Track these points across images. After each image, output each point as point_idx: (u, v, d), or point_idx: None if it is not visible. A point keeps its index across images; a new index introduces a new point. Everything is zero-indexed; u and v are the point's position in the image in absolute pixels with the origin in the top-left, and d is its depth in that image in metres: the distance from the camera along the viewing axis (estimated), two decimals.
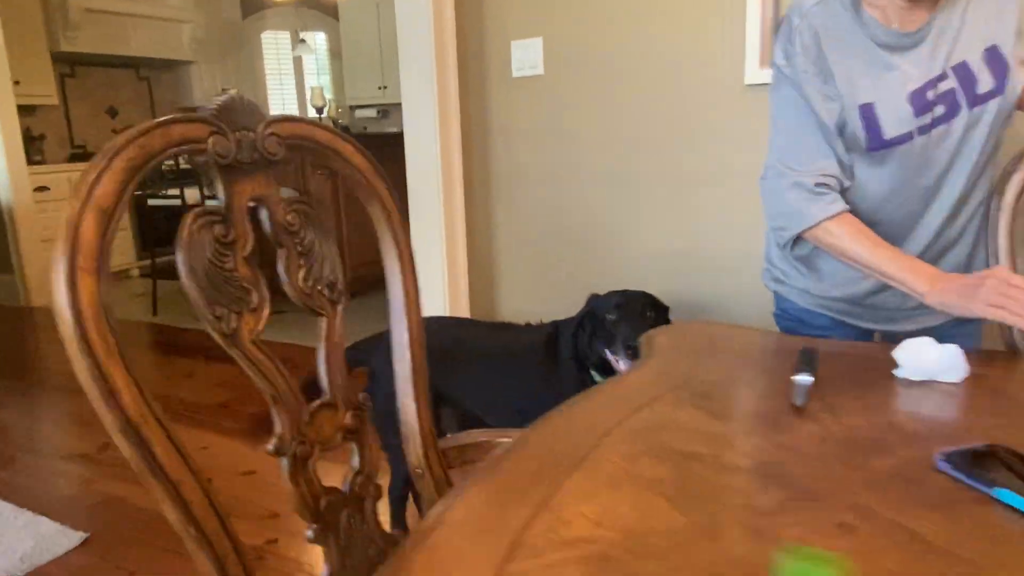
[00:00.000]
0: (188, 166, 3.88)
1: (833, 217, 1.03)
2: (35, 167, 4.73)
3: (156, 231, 5.32)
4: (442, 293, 2.22)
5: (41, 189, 4.73)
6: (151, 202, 4.05)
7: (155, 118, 0.71)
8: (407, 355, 0.98)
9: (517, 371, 1.63)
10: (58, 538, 1.80)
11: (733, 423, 0.80)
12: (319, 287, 0.87)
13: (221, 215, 0.77)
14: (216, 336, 0.75)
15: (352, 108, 6.39)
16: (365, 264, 4.43)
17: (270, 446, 0.78)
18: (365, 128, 6.19)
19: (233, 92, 0.79)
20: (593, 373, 1.61)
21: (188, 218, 0.74)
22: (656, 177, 1.94)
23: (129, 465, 2.30)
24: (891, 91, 1.01)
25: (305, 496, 0.80)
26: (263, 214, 0.82)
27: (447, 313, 2.21)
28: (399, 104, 5.99)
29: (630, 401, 0.83)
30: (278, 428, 0.79)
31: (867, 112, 1.01)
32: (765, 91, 1.79)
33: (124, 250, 5.36)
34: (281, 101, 6.58)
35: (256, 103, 0.82)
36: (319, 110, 5.42)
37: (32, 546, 1.76)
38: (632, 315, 1.58)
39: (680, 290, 1.97)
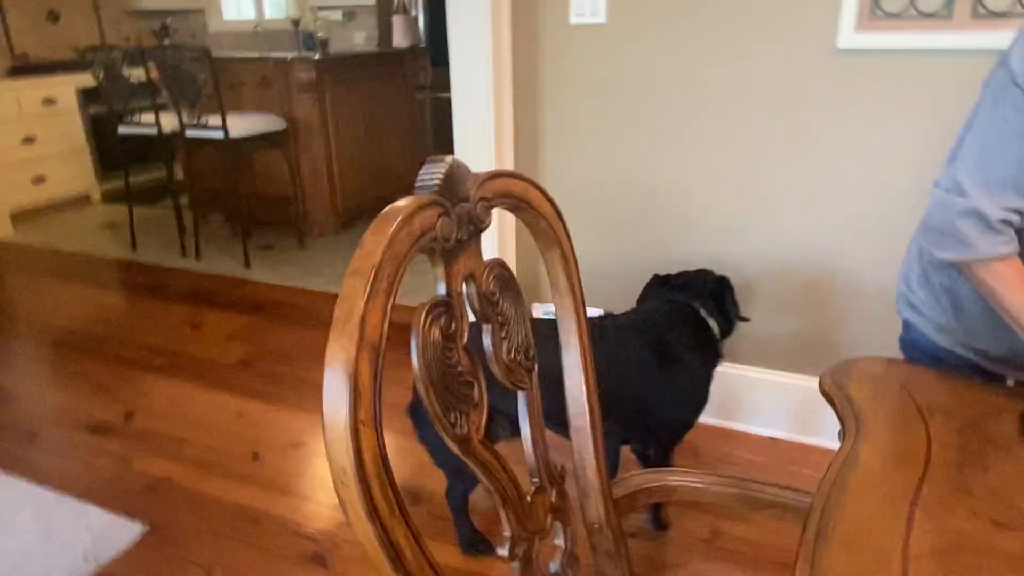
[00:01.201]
0: (155, 80, 3.55)
1: (1003, 259, 0.98)
2: None
3: (125, 150, 4.97)
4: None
5: None
6: (122, 130, 3.71)
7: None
8: (584, 409, 0.92)
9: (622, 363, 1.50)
10: (115, 530, 1.73)
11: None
12: (518, 357, 0.79)
13: (446, 305, 0.67)
14: (452, 444, 0.67)
15: (317, 10, 5.92)
16: (356, 194, 4.24)
17: (503, 551, 0.72)
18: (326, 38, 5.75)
19: (449, 159, 0.68)
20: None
21: (422, 317, 0.64)
22: (727, 144, 1.85)
23: (164, 439, 2.22)
24: None
25: None
26: (470, 290, 0.73)
27: None
28: (369, 5, 5.54)
29: (894, 506, 0.73)
30: (507, 531, 0.73)
31: None
32: (859, 57, 1.72)
33: (82, 172, 4.98)
34: (236, 7, 6.03)
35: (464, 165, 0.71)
36: (296, 23, 5.00)
37: (90, 542, 1.69)
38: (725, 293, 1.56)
39: (742, 270, 1.93)
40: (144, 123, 3.62)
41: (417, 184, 0.66)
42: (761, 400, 2.04)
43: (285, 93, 3.85)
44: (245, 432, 2.15)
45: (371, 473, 0.54)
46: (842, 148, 1.73)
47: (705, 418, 2.07)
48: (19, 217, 4.61)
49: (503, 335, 0.77)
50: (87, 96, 4.89)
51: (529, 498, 0.77)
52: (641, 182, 1.98)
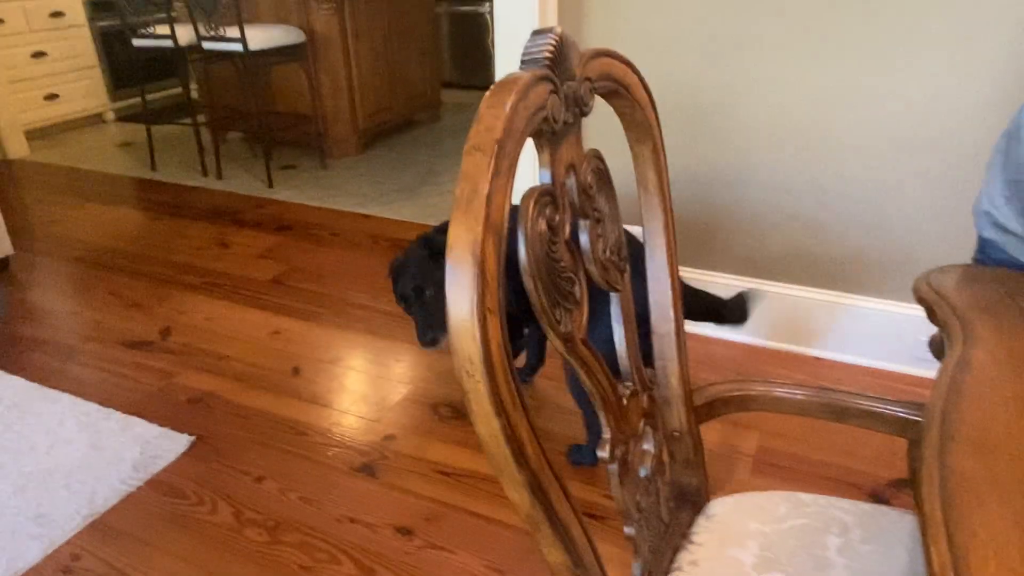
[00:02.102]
0: None
1: None
2: None
3: (138, 67, 4.83)
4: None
5: None
6: (137, 43, 3.58)
7: None
8: (670, 315, 0.88)
9: None
10: (163, 442, 1.74)
11: None
12: (612, 256, 0.75)
13: (550, 195, 0.62)
14: (557, 343, 0.63)
15: None
16: (375, 114, 4.12)
17: (603, 453, 0.70)
18: None
19: (557, 30, 0.62)
20: None
21: (530, 205, 0.59)
22: (800, 43, 1.74)
23: (203, 355, 2.20)
24: None
25: (629, 500, 0.73)
26: (571, 181, 0.68)
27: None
28: None
29: (1018, 409, 0.70)
30: (607, 434, 0.70)
31: None
32: None
33: (94, 90, 4.86)
34: None
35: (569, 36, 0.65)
36: None
37: (139, 453, 1.71)
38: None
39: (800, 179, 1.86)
40: (159, 35, 3.50)
41: (524, 57, 0.60)
42: (807, 319, 2.00)
43: (303, 3, 3.69)
44: (284, 348, 2.14)
45: (497, 364, 0.50)
46: (934, 56, 1.63)
47: (743, 338, 2.05)
48: (33, 135, 4.54)
49: (599, 232, 0.73)
50: (96, 8, 4.73)
51: (625, 401, 0.74)
52: (693, 87, 1.89)
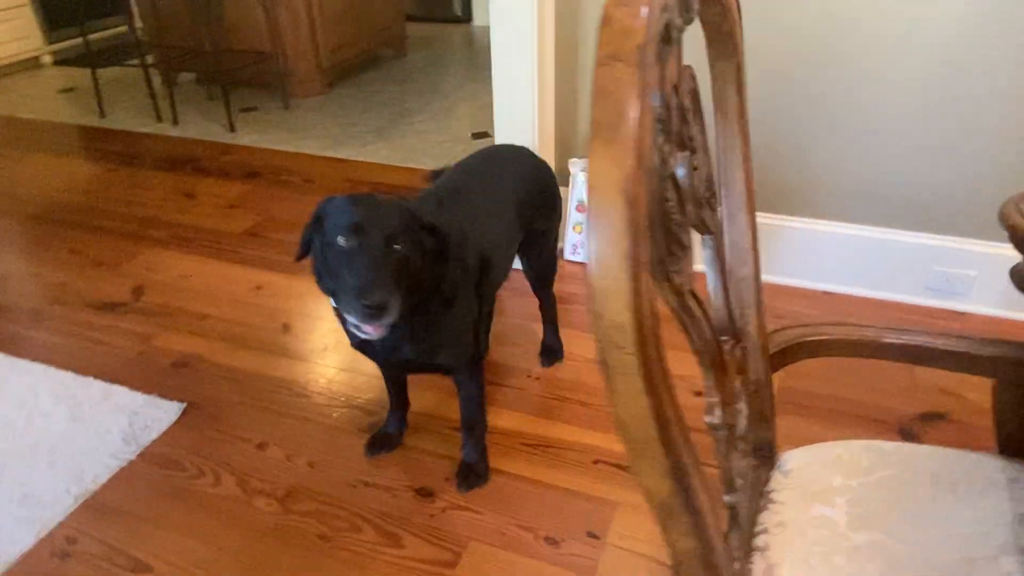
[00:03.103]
0: None
1: None
2: None
3: (74, 3, 4.45)
4: (531, 128, 1.93)
5: None
6: None
7: None
8: (748, 257, 0.79)
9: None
10: (151, 411, 1.62)
11: None
12: (706, 193, 0.65)
13: (663, 120, 0.52)
14: (671, 299, 0.54)
15: None
16: (340, 48, 3.88)
17: (712, 418, 0.61)
18: None
19: None
20: None
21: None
22: None
23: (182, 315, 2.03)
24: None
25: (733, 467, 0.66)
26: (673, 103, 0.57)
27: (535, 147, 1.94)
28: None
29: None
30: (714, 396, 0.61)
31: None
32: None
33: (26, 31, 4.47)
34: None
35: None
36: None
37: (128, 424, 1.58)
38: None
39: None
40: None
41: None
42: (816, 252, 1.94)
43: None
44: (269, 304, 2.01)
45: (650, 334, 0.40)
46: None
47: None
48: None
49: (695, 165, 0.62)
50: None
51: (725, 357, 0.66)
52: None
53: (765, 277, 2.01)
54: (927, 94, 1.67)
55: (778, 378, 1.65)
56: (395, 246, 1.10)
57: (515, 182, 1.48)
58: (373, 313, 1.05)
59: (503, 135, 1.94)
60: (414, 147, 3.09)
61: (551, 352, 1.74)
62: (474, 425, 1.41)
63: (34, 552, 1.31)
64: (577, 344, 1.78)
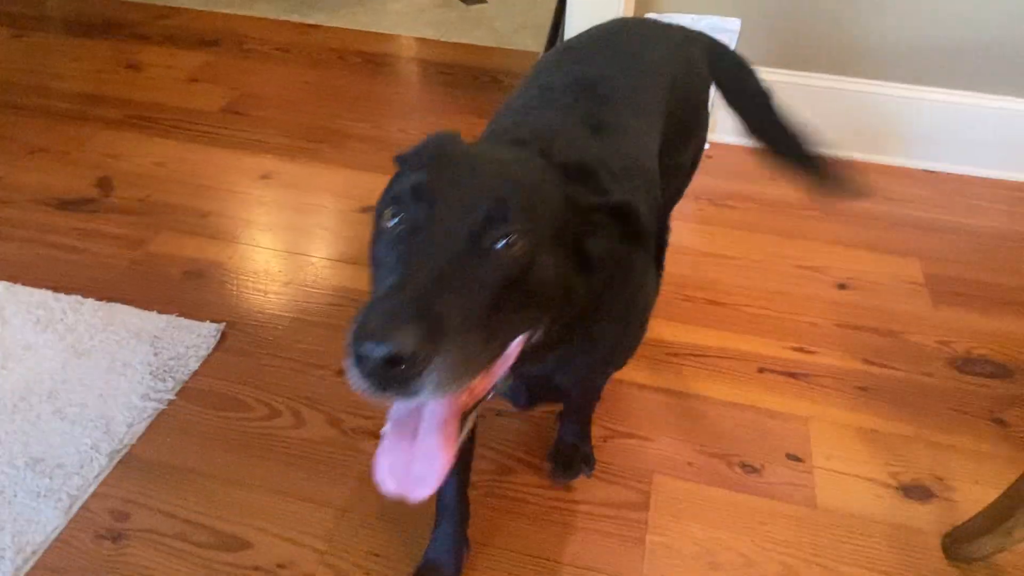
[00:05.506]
0: None
1: None
2: None
3: None
4: None
5: None
6: None
7: None
8: None
9: None
10: (178, 334, 1.24)
11: None
12: None
13: None
14: None
15: None
16: None
17: None
18: None
19: None
20: None
21: None
22: None
23: (175, 212, 1.64)
24: None
25: None
26: None
27: None
28: None
29: None
30: None
31: None
32: None
33: None
34: None
35: None
36: None
37: (152, 354, 1.20)
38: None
39: None
40: None
41: None
42: (918, 128, 1.73)
43: None
44: (287, 198, 1.61)
45: None
46: None
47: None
48: None
49: None
50: None
51: None
52: None
53: (856, 155, 1.79)
54: None
55: (919, 265, 1.46)
56: (497, 243, 0.55)
57: (663, 88, 0.94)
58: (378, 372, 0.47)
59: None
60: (402, 12, 2.60)
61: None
62: (590, 406, 1.05)
63: (71, 535, 0.95)
64: (691, 237, 1.51)
